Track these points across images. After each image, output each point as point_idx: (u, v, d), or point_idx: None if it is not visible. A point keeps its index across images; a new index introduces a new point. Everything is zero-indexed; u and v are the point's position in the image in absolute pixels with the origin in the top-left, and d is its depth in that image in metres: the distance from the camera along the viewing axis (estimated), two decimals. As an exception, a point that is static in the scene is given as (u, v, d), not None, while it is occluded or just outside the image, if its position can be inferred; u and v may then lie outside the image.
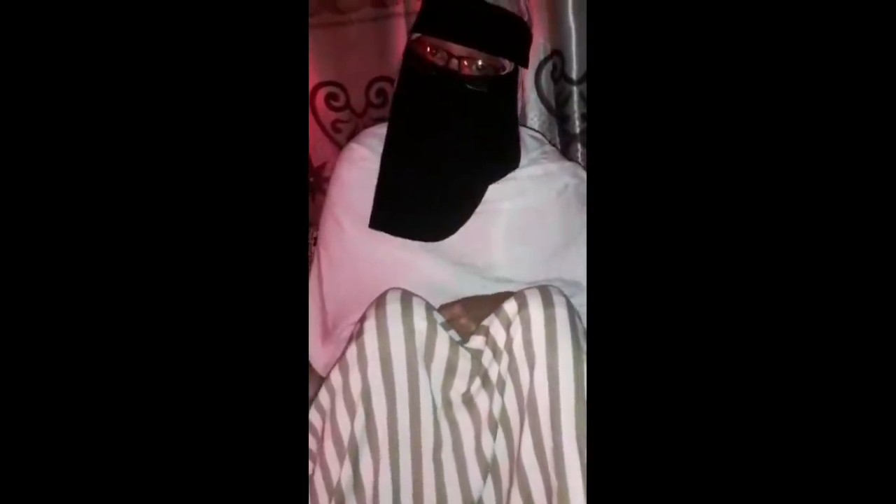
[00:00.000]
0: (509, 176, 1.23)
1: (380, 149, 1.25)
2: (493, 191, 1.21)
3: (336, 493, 0.97)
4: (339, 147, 1.52)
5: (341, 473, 0.97)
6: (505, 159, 1.23)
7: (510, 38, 1.20)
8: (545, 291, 1.00)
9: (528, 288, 1.01)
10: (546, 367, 0.96)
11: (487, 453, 1.00)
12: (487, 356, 1.02)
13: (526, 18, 1.24)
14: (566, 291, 1.10)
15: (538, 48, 1.52)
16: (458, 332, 1.06)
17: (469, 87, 1.16)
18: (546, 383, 0.96)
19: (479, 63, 1.16)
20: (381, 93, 1.60)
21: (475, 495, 1.00)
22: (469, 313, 1.10)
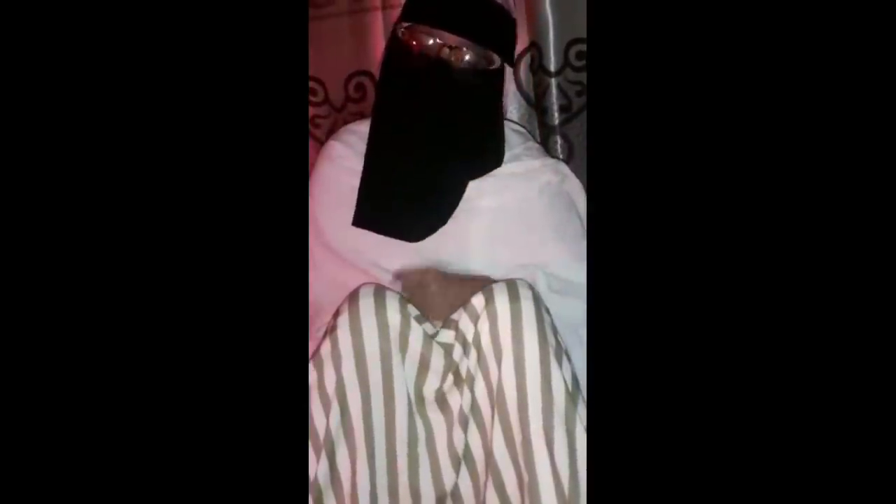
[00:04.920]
0: (490, 173, 1.22)
1: (359, 146, 1.24)
2: (473, 188, 1.20)
3: (314, 489, 0.98)
4: (319, 142, 1.52)
5: (318, 469, 0.98)
6: (488, 156, 1.23)
7: (500, 33, 1.20)
8: (512, 285, 1.00)
9: (496, 282, 1.01)
10: (513, 361, 0.96)
11: (459, 447, 1.01)
12: (458, 351, 1.02)
13: (514, 15, 1.24)
14: (555, 287, 1.09)
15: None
16: (426, 306, 1.07)
17: (457, 77, 1.16)
18: (513, 377, 0.96)
19: (469, 54, 1.16)
20: (360, 87, 1.60)
21: (447, 488, 1.00)
22: (437, 284, 1.11)
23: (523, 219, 1.21)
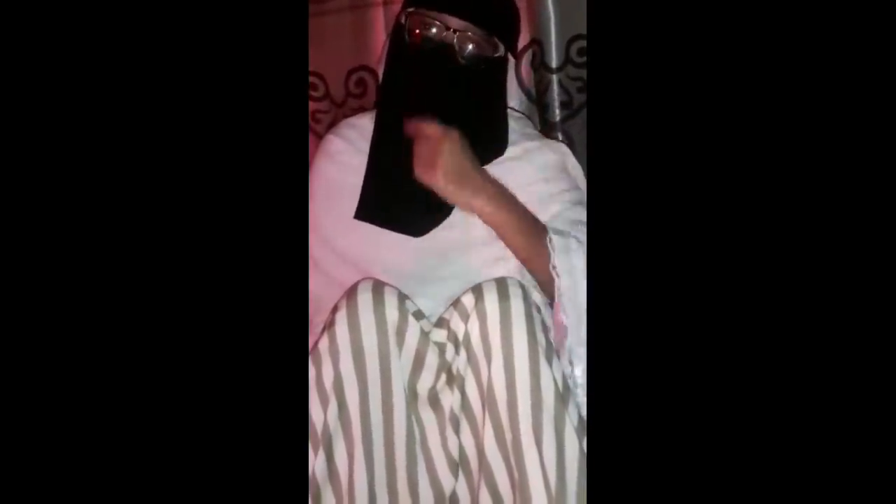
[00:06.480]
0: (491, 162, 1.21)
1: (358, 141, 1.24)
2: None
3: (312, 484, 0.97)
4: (320, 137, 1.51)
5: (315, 464, 0.97)
6: (491, 146, 1.21)
7: (503, 19, 1.20)
8: (501, 283, 0.99)
9: (486, 280, 1.01)
10: (502, 360, 0.96)
11: (454, 451, 1.00)
12: (450, 351, 1.02)
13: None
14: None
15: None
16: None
17: (462, 61, 1.15)
18: (503, 377, 0.95)
19: (474, 41, 1.15)
20: (360, 82, 1.60)
21: (446, 491, 1.00)
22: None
23: (524, 195, 1.18)
